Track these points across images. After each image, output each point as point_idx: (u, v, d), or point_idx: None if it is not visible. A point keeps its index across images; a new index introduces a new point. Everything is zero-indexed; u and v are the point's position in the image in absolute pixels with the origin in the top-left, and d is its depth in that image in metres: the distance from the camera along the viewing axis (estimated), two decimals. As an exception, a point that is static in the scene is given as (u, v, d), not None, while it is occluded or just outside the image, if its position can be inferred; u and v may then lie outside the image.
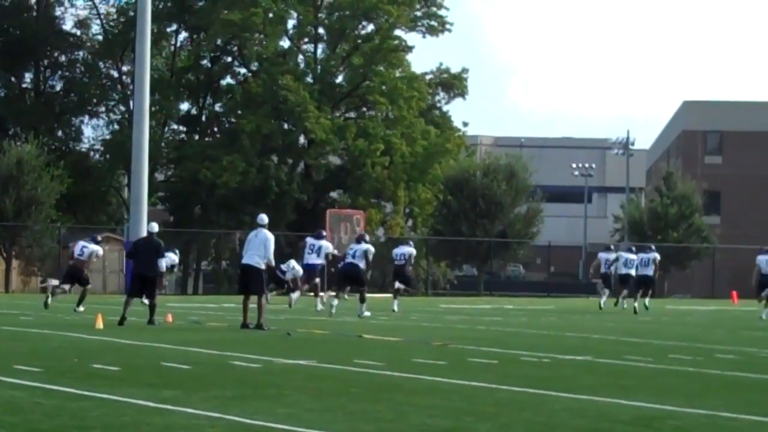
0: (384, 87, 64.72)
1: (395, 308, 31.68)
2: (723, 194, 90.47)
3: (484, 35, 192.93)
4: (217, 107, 69.87)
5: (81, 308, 28.26)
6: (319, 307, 30.94)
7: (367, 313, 28.06)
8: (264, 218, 23.08)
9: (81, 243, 30.19)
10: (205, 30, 66.07)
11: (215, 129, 70.24)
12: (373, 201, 65.38)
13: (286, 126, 66.43)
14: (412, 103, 64.88)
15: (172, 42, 69.96)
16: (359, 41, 67.31)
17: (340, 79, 68.36)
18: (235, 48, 68.50)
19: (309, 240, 32.47)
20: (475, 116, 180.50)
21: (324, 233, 34.44)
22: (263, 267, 22.54)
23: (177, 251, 35.79)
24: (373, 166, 62.98)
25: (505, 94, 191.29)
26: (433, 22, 68.54)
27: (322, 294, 32.09)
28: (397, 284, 33.02)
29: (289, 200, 62.99)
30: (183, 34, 70.01)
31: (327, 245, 32.35)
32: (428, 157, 64.70)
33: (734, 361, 17.42)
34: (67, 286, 30.43)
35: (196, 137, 69.01)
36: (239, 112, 66.11)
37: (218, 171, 61.29)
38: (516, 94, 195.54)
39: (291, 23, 68.13)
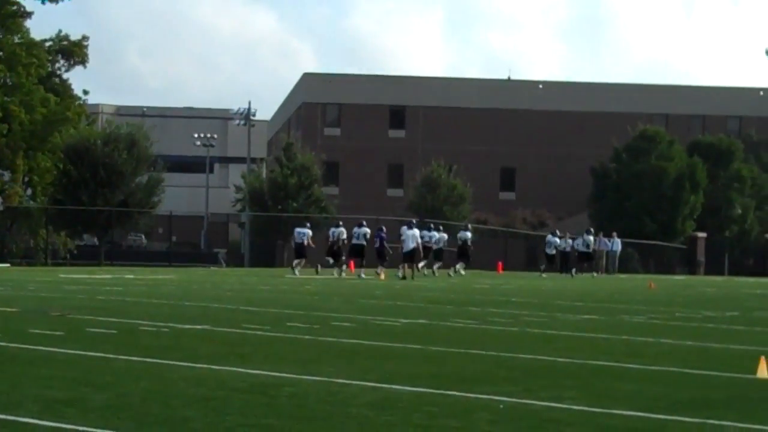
0: (1, 53, 62.59)
1: None
2: (341, 165, 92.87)
3: (102, 2, 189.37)
4: None
5: None
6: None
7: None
8: None
9: None
10: None
11: None
12: (-8, 169, 63.17)
13: None
14: (31, 70, 63.00)
15: None
16: (-24, 6, 64.68)
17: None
18: None
19: None
20: (96, 84, 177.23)
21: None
22: None
23: None
24: (-10, 134, 60.79)
25: (125, 62, 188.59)
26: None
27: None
28: None
29: None
30: None
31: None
32: (48, 126, 63.06)
33: (349, 328, 17.97)
34: None
35: None
36: None
37: None
38: (136, 63, 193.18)
39: None
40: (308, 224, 47.73)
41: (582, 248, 54.56)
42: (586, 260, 54.82)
